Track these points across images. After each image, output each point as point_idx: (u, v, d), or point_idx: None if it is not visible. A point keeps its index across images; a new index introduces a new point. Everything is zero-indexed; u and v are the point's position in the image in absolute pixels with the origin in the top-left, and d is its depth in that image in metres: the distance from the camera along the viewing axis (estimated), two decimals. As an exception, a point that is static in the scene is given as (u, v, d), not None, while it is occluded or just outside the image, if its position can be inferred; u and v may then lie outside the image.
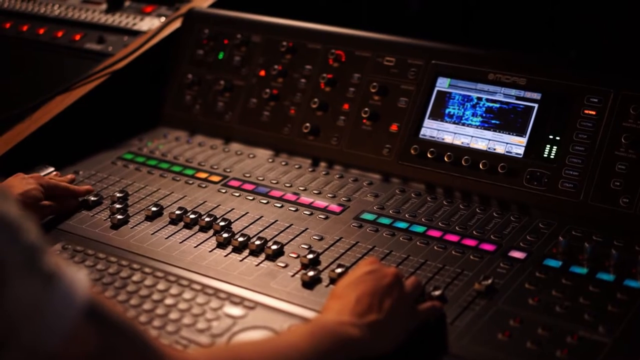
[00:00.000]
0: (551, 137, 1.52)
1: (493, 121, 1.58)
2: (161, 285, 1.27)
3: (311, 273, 1.32)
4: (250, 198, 1.58)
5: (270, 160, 1.73)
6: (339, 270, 1.32)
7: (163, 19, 2.06)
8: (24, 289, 0.68)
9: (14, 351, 0.68)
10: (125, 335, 0.78)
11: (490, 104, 1.59)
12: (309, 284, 1.31)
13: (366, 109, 1.68)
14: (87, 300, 0.74)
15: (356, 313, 1.07)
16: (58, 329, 0.70)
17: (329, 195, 1.58)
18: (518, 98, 1.57)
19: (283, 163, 1.72)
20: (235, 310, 1.20)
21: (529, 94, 1.56)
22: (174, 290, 1.26)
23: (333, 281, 1.31)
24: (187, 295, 1.25)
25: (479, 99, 1.60)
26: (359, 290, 1.10)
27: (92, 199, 1.58)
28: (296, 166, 1.70)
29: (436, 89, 1.65)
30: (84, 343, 0.72)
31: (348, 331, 1.04)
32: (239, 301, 1.23)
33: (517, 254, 1.37)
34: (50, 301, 0.69)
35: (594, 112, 1.50)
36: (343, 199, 1.57)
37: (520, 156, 1.54)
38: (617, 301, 1.24)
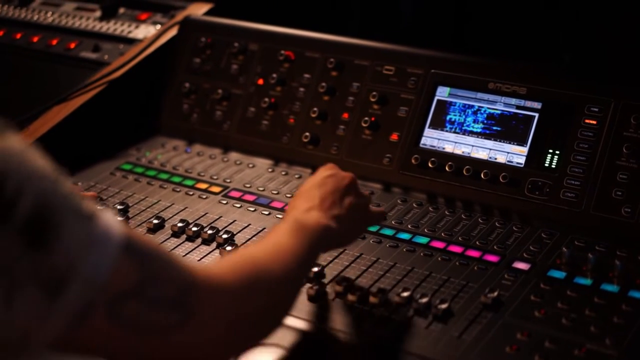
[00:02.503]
0: (552, 146, 1.52)
1: (494, 130, 1.58)
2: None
3: (317, 287, 1.32)
4: (252, 209, 1.58)
5: (270, 170, 1.73)
6: (344, 283, 1.32)
7: (158, 26, 2.05)
8: (75, 229, 0.77)
9: (75, 284, 0.76)
10: (160, 262, 0.87)
11: (491, 113, 1.59)
12: (315, 298, 1.31)
13: (366, 118, 1.68)
14: (124, 235, 0.82)
15: (323, 209, 1.20)
16: (105, 262, 0.79)
17: (330, 205, 1.58)
18: (518, 107, 1.58)
19: (283, 173, 1.72)
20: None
21: (529, 103, 1.57)
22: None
23: (339, 295, 1.31)
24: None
25: (480, 108, 1.60)
26: (322, 190, 1.23)
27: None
28: (296, 176, 1.70)
29: (436, 98, 1.65)
30: (127, 273, 0.81)
31: (321, 223, 1.17)
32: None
33: (521, 265, 1.37)
34: (96, 238, 0.78)
35: (594, 122, 1.51)
36: (345, 209, 1.57)
37: (522, 166, 1.54)
38: (622, 313, 1.24)
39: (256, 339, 1.05)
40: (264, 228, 1.52)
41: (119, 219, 0.83)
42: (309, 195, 1.23)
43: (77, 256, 0.76)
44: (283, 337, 1.20)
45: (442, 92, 1.65)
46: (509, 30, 2.14)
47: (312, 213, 1.19)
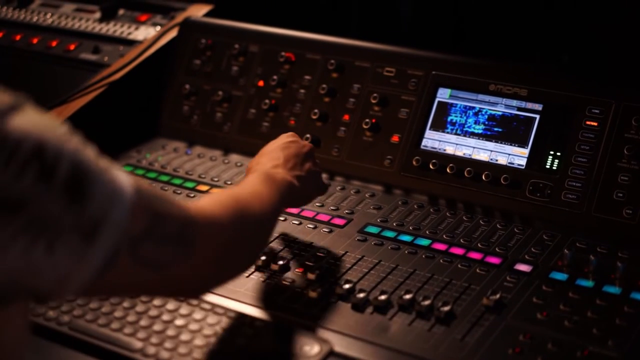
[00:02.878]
0: (553, 148, 1.53)
1: (495, 132, 1.58)
2: (170, 305, 1.27)
3: (319, 290, 1.32)
4: (253, 211, 1.58)
5: (270, 171, 1.73)
6: (347, 286, 1.32)
7: (158, 28, 2.05)
8: (102, 183, 0.87)
9: (106, 231, 0.87)
10: (162, 202, 0.96)
11: (492, 115, 1.59)
12: (317, 300, 1.31)
13: (367, 120, 1.68)
14: (134, 183, 0.92)
15: (286, 168, 1.33)
16: (125, 208, 0.89)
17: (331, 207, 1.58)
18: (519, 109, 1.58)
19: (284, 174, 1.71)
20: (246, 330, 1.20)
21: (530, 105, 1.57)
22: (183, 310, 1.25)
23: (342, 298, 1.31)
24: (198, 315, 1.24)
25: (481, 109, 1.60)
26: (286, 152, 1.36)
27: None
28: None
29: (437, 99, 1.65)
30: (141, 217, 0.91)
31: (286, 178, 1.30)
32: (251, 322, 1.22)
33: (523, 267, 1.37)
34: (117, 188, 0.88)
35: (595, 124, 1.51)
36: (346, 211, 1.57)
37: (523, 167, 1.54)
38: (624, 315, 1.24)
39: (239, 270, 1.18)
40: (266, 230, 1.52)
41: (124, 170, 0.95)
42: (273, 155, 1.36)
43: (106, 206, 0.87)
44: (292, 344, 1.20)
45: (443, 94, 1.65)
46: (507, 31, 2.14)
47: (278, 169, 1.31)
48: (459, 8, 2.22)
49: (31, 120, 0.84)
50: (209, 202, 1.09)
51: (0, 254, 0.81)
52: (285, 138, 1.43)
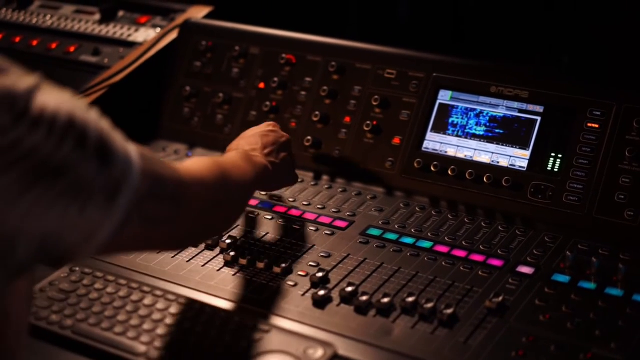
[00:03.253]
0: (555, 150, 1.53)
1: (496, 134, 1.58)
2: (173, 309, 1.27)
3: (322, 292, 1.32)
4: (254, 214, 1.58)
5: (272, 173, 1.73)
6: (349, 289, 1.32)
7: (158, 29, 2.04)
8: (119, 149, 0.95)
9: (124, 191, 0.95)
10: (159, 164, 1.05)
11: (493, 117, 1.59)
12: (320, 303, 1.31)
13: (368, 122, 1.68)
14: (138, 148, 1.00)
15: (263, 154, 1.42)
16: (137, 168, 0.97)
17: (333, 210, 1.58)
18: (521, 111, 1.58)
19: (285, 177, 1.71)
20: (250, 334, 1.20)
21: (531, 107, 1.57)
22: (188, 314, 1.25)
23: (344, 300, 1.31)
24: (202, 318, 1.24)
25: (482, 111, 1.61)
26: (264, 140, 1.46)
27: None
28: (299, 180, 1.70)
29: (438, 101, 1.65)
30: (145, 178, 0.99)
31: (262, 162, 1.39)
32: (254, 326, 1.22)
33: (525, 269, 1.38)
34: (129, 154, 0.97)
35: (597, 125, 1.51)
36: (348, 213, 1.57)
37: (524, 169, 1.55)
38: (627, 317, 1.25)
39: (217, 230, 1.34)
40: (267, 233, 1.52)
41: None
42: (251, 140, 1.46)
43: (125, 169, 0.95)
44: (293, 346, 1.20)
45: (444, 96, 1.65)
46: (507, 32, 2.14)
47: (255, 153, 1.41)
48: (458, 9, 2.23)
49: (55, 95, 0.91)
50: (194, 164, 1.18)
51: (42, 217, 0.89)
52: (265, 127, 1.52)
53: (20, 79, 0.90)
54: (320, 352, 1.18)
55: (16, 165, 0.87)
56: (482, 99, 1.61)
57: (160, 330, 1.22)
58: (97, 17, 2.15)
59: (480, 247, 1.44)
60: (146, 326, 1.23)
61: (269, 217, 1.57)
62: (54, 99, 0.90)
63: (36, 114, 0.88)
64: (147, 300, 1.28)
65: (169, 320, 1.24)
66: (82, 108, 0.94)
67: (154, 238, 1.08)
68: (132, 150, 0.99)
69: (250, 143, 1.45)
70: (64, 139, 0.89)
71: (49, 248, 0.92)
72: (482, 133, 1.60)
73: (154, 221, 1.03)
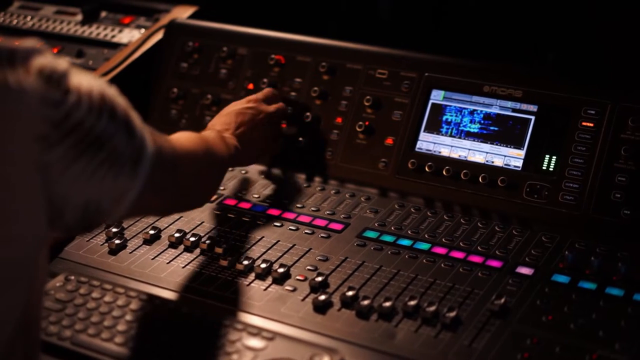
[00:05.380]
0: (549, 149, 1.53)
1: (490, 134, 1.58)
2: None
3: (322, 297, 1.31)
4: (248, 218, 1.56)
5: (263, 176, 1.71)
6: (350, 293, 1.31)
7: (143, 30, 2.02)
8: (136, 123, 1.06)
9: (143, 160, 1.05)
10: (159, 136, 1.14)
11: (487, 116, 1.59)
12: (321, 308, 1.30)
13: (360, 123, 1.67)
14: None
15: (235, 134, 1.51)
16: (149, 139, 1.08)
17: (327, 212, 1.57)
18: (514, 110, 1.57)
19: (277, 179, 1.70)
20: (255, 342, 1.19)
21: (525, 106, 1.57)
22: (192, 322, 1.24)
23: (345, 305, 1.30)
24: (207, 326, 1.23)
25: (475, 111, 1.60)
26: (239, 119, 1.54)
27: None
28: (290, 182, 1.68)
29: (431, 101, 1.64)
30: (154, 147, 1.08)
31: (233, 143, 1.47)
32: (257, 332, 1.21)
33: (524, 270, 1.37)
34: (143, 127, 1.08)
35: (591, 124, 1.51)
36: (342, 215, 1.56)
37: (519, 169, 1.54)
38: (629, 316, 1.25)
39: (199, 200, 1.38)
40: (262, 237, 1.50)
41: None
42: (227, 119, 1.54)
43: (143, 138, 1.06)
44: (298, 353, 1.19)
45: (437, 96, 1.64)
46: (491, 29, 2.14)
47: (226, 134, 1.49)
48: (439, 7, 2.21)
49: (84, 76, 1.01)
50: (182, 137, 1.28)
51: (86, 184, 0.99)
52: (244, 103, 1.60)
53: (57, 60, 0.98)
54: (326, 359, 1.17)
55: (67, 138, 0.96)
56: (475, 98, 1.61)
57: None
58: (79, 17, 2.12)
59: (478, 248, 1.44)
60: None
61: (263, 221, 1.55)
62: (84, 78, 1.00)
63: (76, 91, 0.97)
64: (147, 309, 1.26)
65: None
66: (107, 86, 1.03)
67: (153, 204, 1.17)
68: (140, 121, 1.08)
69: (224, 123, 1.53)
70: (101, 114, 0.99)
71: (89, 213, 1.02)
72: (475, 133, 1.59)
73: (156, 188, 1.10)
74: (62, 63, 0.99)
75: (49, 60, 0.97)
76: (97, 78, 1.04)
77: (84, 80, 1.00)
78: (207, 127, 1.52)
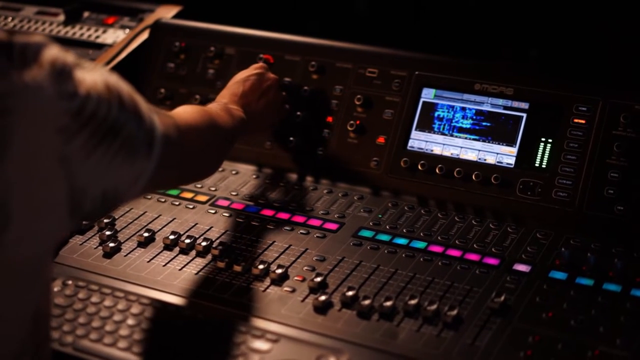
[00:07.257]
0: (542, 146, 1.54)
1: (482, 131, 1.59)
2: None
3: (322, 298, 1.31)
4: (242, 218, 1.56)
5: (254, 176, 1.71)
6: (350, 293, 1.31)
7: (127, 31, 2.00)
8: (144, 109, 1.09)
9: (155, 142, 1.09)
10: (163, 115, 1.17)
11: (478, 114, 1.59)
12: (321, 309, 1.30)
13: (351, 122, 1.67)
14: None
15: (241, 104, 1.54)
16: (158, 121, 1.11)
17: (321, 212, 1.57)
18: (506, 108, 1.58)
19: (268, 179, 1.69)
20: (260, 344, 1.18)
21: (516, 104, 1.58)
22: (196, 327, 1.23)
23: (346, 305, 1.30)
24: (212, 330, 1.22)
25: (467, 109, 1.61)
26: (245, 86, 1.57)
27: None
28: (283, 182, 1.68)
29: (422, 100, 1.64)
30: (162, 127, 1.12)
31: (240, 115, 1.50)
32: (261, 334, 1.20)
33: (521, 267, 1.38)
34: (151, 111, 1.11)
35: (583, 121, 1.52)
36: (337, 215, 1.56)
37: (512, 166, 1.55)
38: (627, 312, 1.26)
39: (204, 172, 1.43)
40: (258, 238, 1.49)
41: None
42: (233, 89, 1.57)
43: (151, 122, 1.09)
44: (304, 355, 1.19)
45: (428, 94, 1.64)
46: (472, 26, 2.14)
47: (232, 105, 1.51)
48: (418, 3, 2.22)
49: (91, 67, 1.03)
50: (185, 111, 1.31)
51: (104, 173, 1.03)
52: (252, 70, 1.63)
53: (65, 52, 1.01)
54: (331, 360, 1.17)
55: (85, 127, 0.99)
56: (466, 96, 1.61)
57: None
58: (61, 18, 2.09)
59: (474, 245, 1.44)
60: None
61: (257, 221, 1.54)
62: (91, 70, 1.02)
63: (84, 83, 0.99)
64: (147, 313, 1.25)
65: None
66: (109, 74, 1.06)
67: (165, 180, 1.25)
68: (150, 109, 1.12)
69: (233, 94, 1.56)
70: (111, 103, 1.02)
71: (108, 200, 1.05)
72: (467, 131, 1.59)
73: (166, 164, 1.13)
74: (69, 56, 1.01)
75: (58, 53, 0.99)
76: (99, 67, 1.06)
77: (87, 74, 1.01)
78: (216, 99, 1.55)
